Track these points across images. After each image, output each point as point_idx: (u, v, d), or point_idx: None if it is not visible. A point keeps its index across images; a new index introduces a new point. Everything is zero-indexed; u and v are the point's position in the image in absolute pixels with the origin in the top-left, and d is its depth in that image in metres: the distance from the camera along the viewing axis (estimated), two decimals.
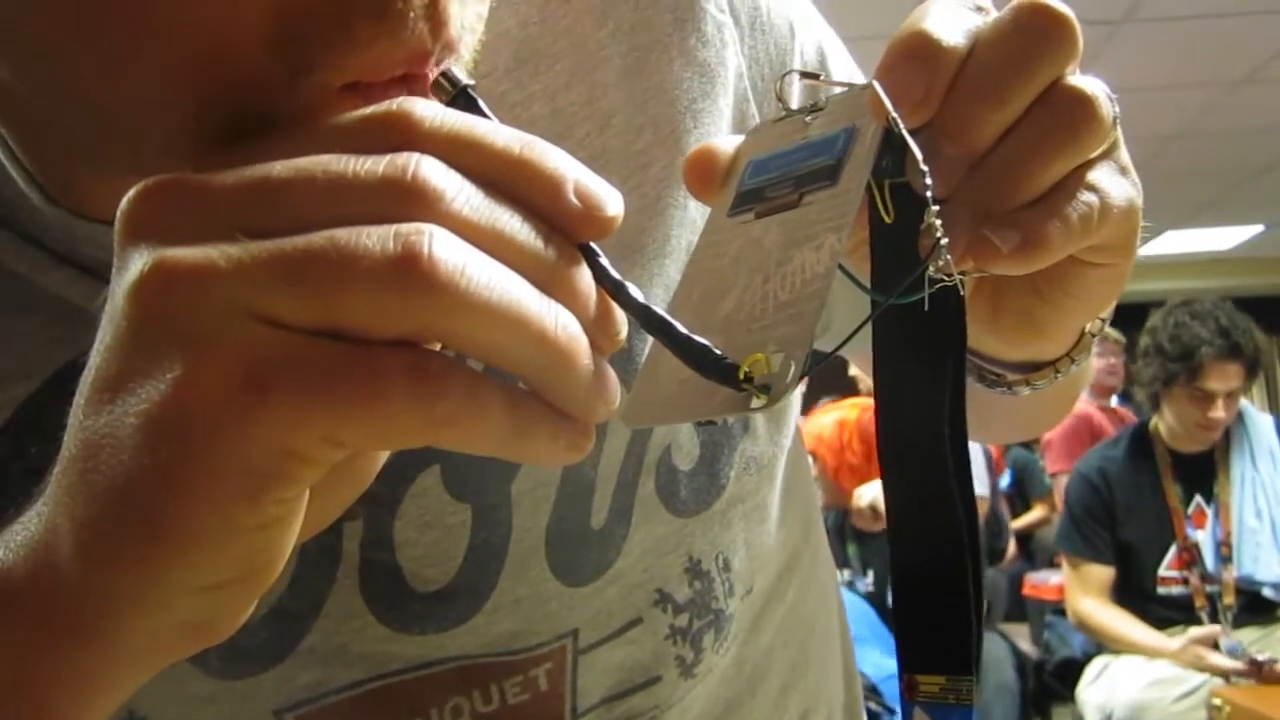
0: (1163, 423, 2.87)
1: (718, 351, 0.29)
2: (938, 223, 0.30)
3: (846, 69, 0.60)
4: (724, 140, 0.36)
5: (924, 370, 0.33)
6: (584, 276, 0.29)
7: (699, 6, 0.51)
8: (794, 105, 0.36)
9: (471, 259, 0.26)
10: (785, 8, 0.57)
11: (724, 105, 0.52)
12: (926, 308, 0.31)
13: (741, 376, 0.28)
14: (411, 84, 0.33)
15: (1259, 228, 6.94)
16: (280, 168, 0.28)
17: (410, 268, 0.25)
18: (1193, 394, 2.73)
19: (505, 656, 0.51)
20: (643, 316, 0.30)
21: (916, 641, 0.33)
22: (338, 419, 0.26)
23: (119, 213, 0.28)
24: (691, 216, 0.51)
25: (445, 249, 0.26)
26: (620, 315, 0.31)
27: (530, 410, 0.29)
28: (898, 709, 0.33)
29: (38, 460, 0.31)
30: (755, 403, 0.28)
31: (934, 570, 0.32)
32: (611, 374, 0.30)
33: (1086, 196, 0.33)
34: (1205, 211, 6.37)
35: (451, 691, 0.50)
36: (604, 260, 0.30)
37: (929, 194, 0.30)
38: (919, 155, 0.30)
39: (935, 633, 0.32)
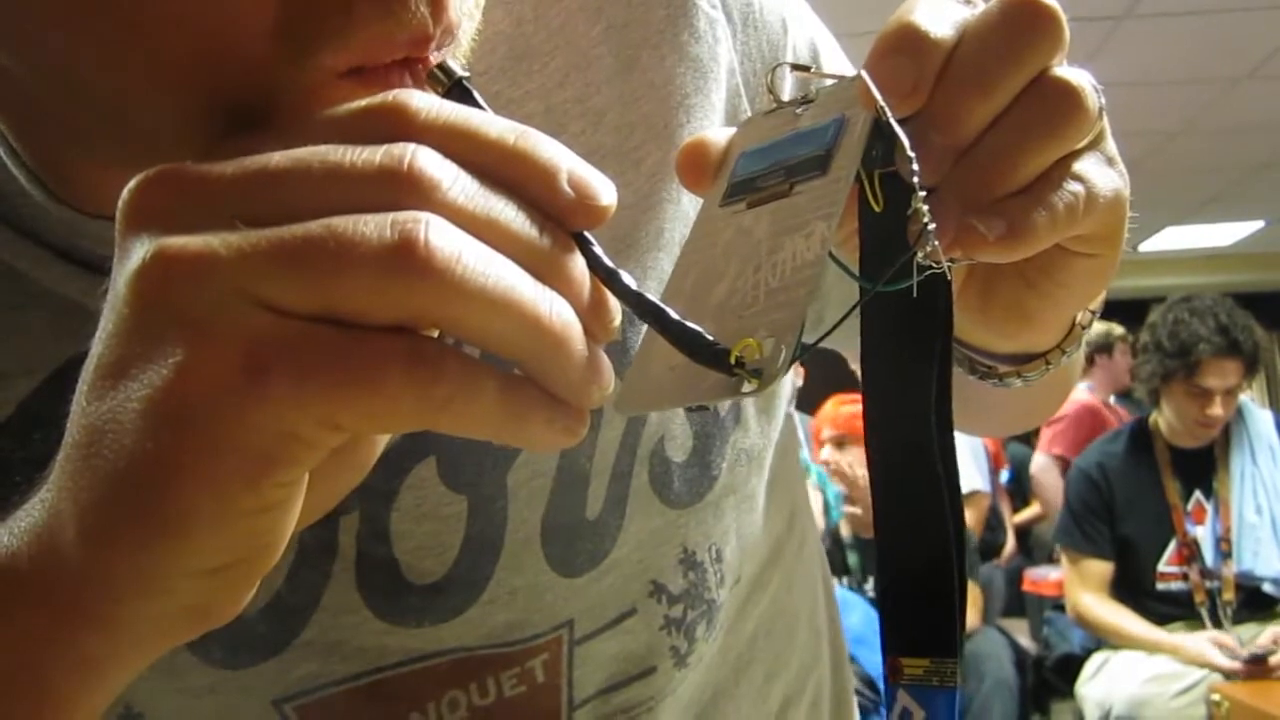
0: (1162, 419, 2.87)
1: (709, 337, 0.29)
2: (925, 208, 0.30)
3: (839, 65, 0.60)
4: (716, 132, 0.36)
5: (912, 357, 0.33)
6: (578, 264, 0.30)
7: (691, 3, 0.51)
8: (785, 98, 0.36)
9: (467, 246, 0.27)
10: (778, 4, 0.57)
11: (716, 100, 0.52)
12: (914, 295, 0.31)
13: (733, 361, 0.29)
14: (412, 68, 0.33)
15: (1259, 223, 6.93)
16: (279, 157, 0.28)
17: (407, 254, 0.26)
18: (1191, 390, 2.73)
19: (502, 648, 0.51)
20: (635, 303, 0.30)
21: (900, 624, 0.33)
22: (336, 402, 0.26)
23: (120, 202, 0.29)
24: (685, 210, 0.51)
25: (441, 236, 0.26)
26: (614, 304, 0.31)
27: (525, 395, 0.29)
28: None
29: (40, 449, 0.32)
30: (746, 387, 0.28)
31: (918, 553, 0.33)
32: (605, 360, 0.30)
33: (1072, 186, 0.33)
34: (1206, 207, 6.37)
35: (448, 684, 0.51)
36: (597, 249, 0.31)
37: (916, 180, 0.30)
38: (907, 144, 0.31)
39: (919, 615, 0.32)
